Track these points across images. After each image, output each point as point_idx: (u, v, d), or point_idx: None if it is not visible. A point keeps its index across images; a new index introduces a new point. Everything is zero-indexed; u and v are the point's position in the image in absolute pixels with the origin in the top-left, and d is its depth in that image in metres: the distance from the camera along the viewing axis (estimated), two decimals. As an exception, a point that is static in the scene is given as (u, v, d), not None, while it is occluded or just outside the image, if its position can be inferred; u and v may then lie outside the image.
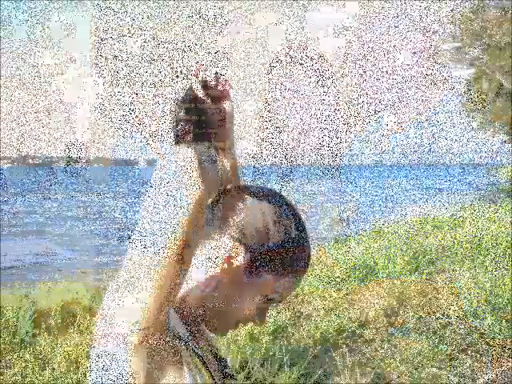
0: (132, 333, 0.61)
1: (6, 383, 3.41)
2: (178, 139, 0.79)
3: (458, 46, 16.64)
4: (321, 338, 4.12)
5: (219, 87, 0.86)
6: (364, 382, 3.41)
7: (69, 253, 11.58)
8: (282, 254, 0.79)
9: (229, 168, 0.89)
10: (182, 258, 0.60)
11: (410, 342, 4.06)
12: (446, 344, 3.98)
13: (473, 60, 17.69)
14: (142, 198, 0.61)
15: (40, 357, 3.78)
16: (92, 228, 16.72)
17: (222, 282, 0.78)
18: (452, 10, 15.54)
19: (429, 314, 4.79)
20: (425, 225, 9.71)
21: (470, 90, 24.97)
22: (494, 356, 3.90)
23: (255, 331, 4.02)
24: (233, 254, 0.77)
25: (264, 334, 4.03)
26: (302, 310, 5.00)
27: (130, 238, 0.60)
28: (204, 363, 0.77)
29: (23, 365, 3.60)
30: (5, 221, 17.98)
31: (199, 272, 0.79)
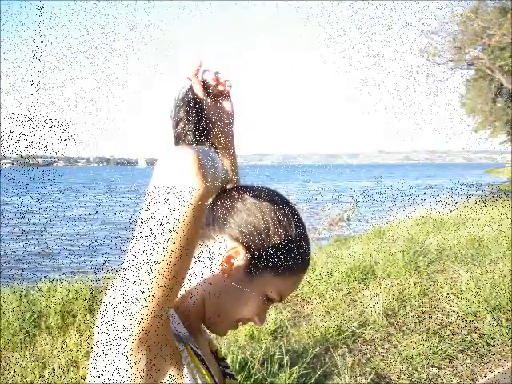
0: (132, 332, 0.61)
1: (5, 383, 3.41)
2: (178, 139, 0.79)
3: (458, 46, 16.62)
4: (321, 338, 4.12)
5: (219, 87, 0.86)
6: (364, 381, 3.41)
7: (69, 253, 11.58)
8: (281, 253, 0.79)
9: (229, 168, 0.89)
10: (182, 258, 0.60)
11: (410, 342, 4.06)
12: (445, 344, 3.98)
13: (473, 60, 17.67)
14: (142, 198, 0.61)
15: (40, 357, 3.78)
16: (92, 228, 16.71)
17: (222, 282, 0.78)
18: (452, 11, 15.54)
19: (429, 314, 4.79)
20: (425, 225, 9.72)
21: (469, 90, 24.99)
22: (494, 356, 3.90)
23: (255, 331, 4.02)
24: (233, 254, 0.77)
25: (264, 334, 4.03)
26: (301, 310, 5.00)
27: (129, 238, 0.60)
28: (204, 363, 0.77)
29: (23, 365, 3.60)
30: (5, 221, 17.97)
31: (199, 272, 0.79)
